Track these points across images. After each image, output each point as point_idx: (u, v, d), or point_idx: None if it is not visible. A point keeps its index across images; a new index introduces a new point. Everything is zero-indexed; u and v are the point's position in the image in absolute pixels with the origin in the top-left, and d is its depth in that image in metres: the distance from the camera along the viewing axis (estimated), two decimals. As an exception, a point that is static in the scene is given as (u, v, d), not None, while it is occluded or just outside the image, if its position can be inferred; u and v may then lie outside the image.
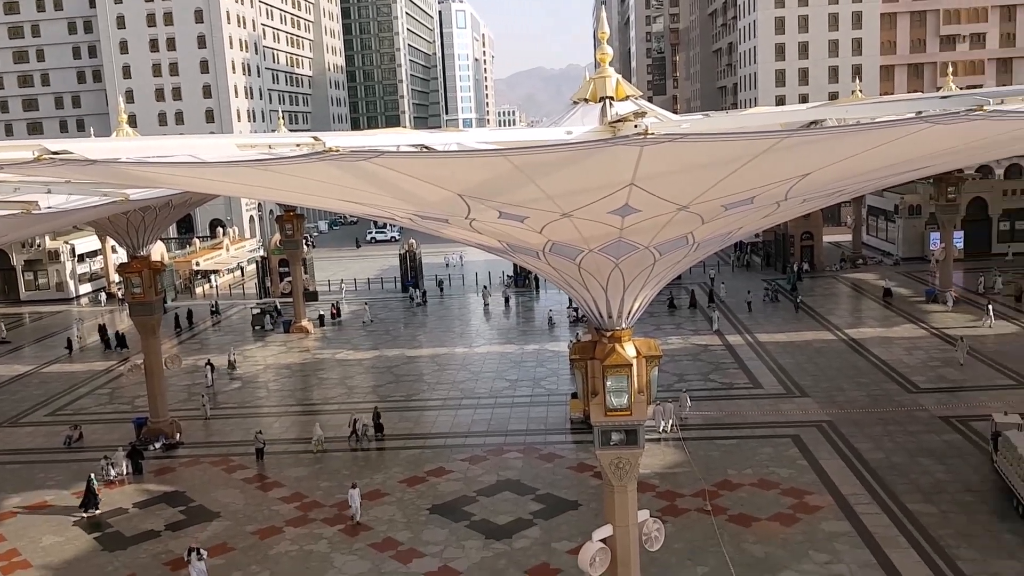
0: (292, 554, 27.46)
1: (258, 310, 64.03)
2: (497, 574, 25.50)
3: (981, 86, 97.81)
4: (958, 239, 67.56)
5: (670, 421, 36.04)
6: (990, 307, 51.47)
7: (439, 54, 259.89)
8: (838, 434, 34.97)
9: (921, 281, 64.64)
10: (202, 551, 25.84)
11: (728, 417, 37.86)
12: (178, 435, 38.58)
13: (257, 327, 61.97)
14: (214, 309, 68.26)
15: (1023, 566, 24.28)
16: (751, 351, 48.55)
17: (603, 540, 19.65)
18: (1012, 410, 33.48)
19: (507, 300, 66.66)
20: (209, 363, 48.49)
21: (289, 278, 66.31)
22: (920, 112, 14.19)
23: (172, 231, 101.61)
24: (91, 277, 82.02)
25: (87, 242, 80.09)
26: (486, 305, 65.60)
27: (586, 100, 18.49)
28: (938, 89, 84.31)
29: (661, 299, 60.39)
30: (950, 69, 63.90)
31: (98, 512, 31.40)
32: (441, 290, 74.40)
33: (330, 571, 26.24)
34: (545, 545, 27.11)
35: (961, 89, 61.65)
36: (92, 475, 32.20)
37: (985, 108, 11.94)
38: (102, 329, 60.98)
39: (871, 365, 44.45)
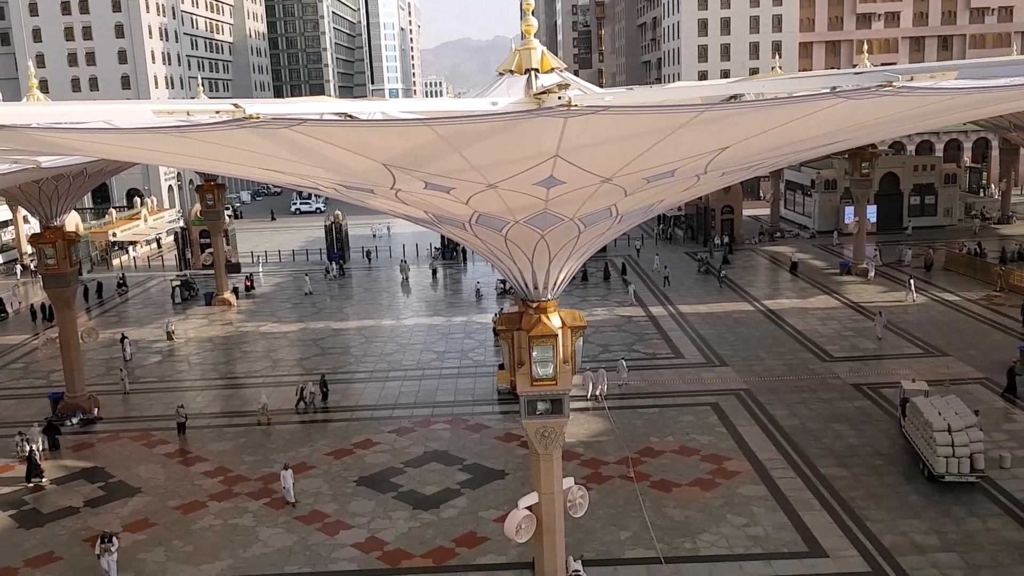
0: (216, 528, 27.18)
1: (178, 282, 62.59)
2: (424, 544, 25.71)
3: (895, 63, 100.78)
4: (871, 213, 69.81)
5: (602, 388, 36.78)
6: (911, 281, 53.16)
7: (364, 23, 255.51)
8: (755, 402, 36.07)
9: (836, 254, 66.71)
10: (115, 539, 24.52)
11: (651, 386, 38.67)
12: (96, 410, 37.63)
13: (177, 301, 60.59)
14: (121, 283, 65.91)
15: (927, 525, 25.55)
16: (673, 322, 49.56)
17: (529, 508, 19.99)
18: (920, 377, 35.03)
19: (434, 272, 66.47)
20: (124, 337, 47.29)
21: (210, 250, 64.90)
22: (835, 88, 14.67)
23: (87, 201, 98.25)
24: (2, 248, 78.90)
25: (-4, 212, 76.95)
26: (404, 279, 64.67)
27: (512, 72, 18.56)
28: (854, 66, 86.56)
29: (591, 269, 61.14)
30: (865, 47, 65.76)
31: (44, 481, 30.88)
32: (369, 261, 73.93)
33: (255, 544, 26.09)
34: (472, 514, 27.41)
35: (875, 66, 63.50)
36: (32, 446, 31.74)
37: (894, 84, 12.42)
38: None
39: (788, 335, 45.85)
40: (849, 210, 72.42)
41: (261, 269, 69.83)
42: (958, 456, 27.51)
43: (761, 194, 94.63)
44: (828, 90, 14.25)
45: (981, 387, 36.49)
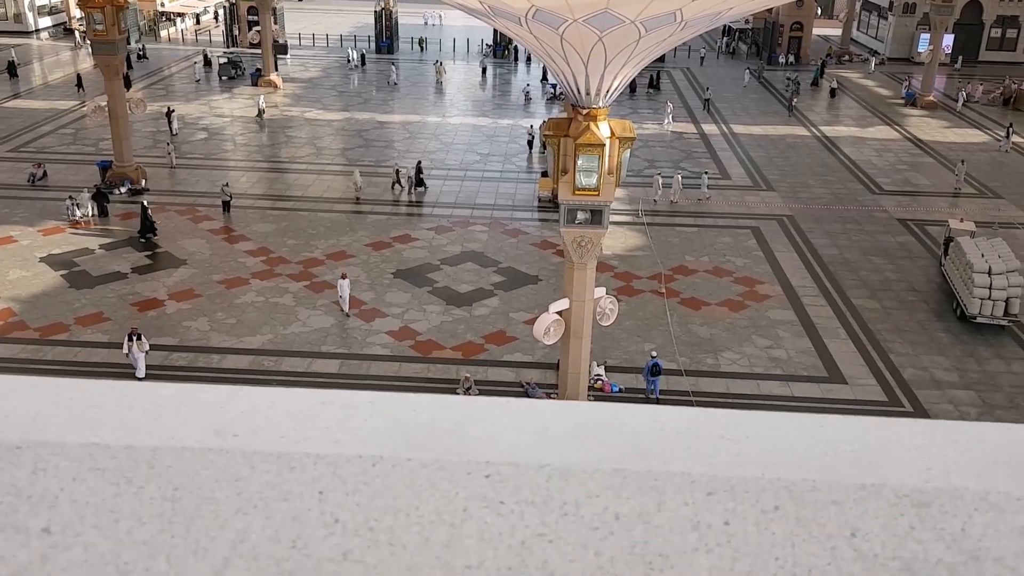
0: (258, 304, 28.24)
1: (225, 60, 61.78)
2: (455, 337, 26.59)
3: None
4: (947, 43, 66.00)
5: (675, 196, 37.75)
6: (1011, 128, 48.89)
7: None
8: (797, 229, 35.75)
9: (902, 82, 63.80)
10: (142, 337, 23.99)
11: (692, 205, 38.34)
12: (143, 181, 38.30)
13: (224, 77, 60.05)
14: (141, 54, 65.28)
15: (950, 362, 25.84)
16: (724, 141, 48.42)
17: (559, 312, 20.46)
18: (969, 218, 34.30)
19: (484, 70, 64.80)
20: (171, 111, 47.30)
21: (258, 28, 63.45)
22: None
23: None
24: (51, 10, 77.84)
25: (45, -29, 75.31)
26: (439, 82, 61.23)
27: None
28: None
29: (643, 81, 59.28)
30: None
31: (156, 237, 32.64)
32: (423, 49, 72.27)
33: (294, 323, 27.15)
34: (503, 314, 28.13)
35: None
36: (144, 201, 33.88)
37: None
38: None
39: (840, 164, 44.74)
40: (924, 37, 68.45)
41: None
42: (994, 299, 27.35)
43: (835, 13, 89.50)
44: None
45: (1031, 234, 35.80)
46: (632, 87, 59.42)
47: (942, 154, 46.25)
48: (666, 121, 50.26)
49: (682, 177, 39.34)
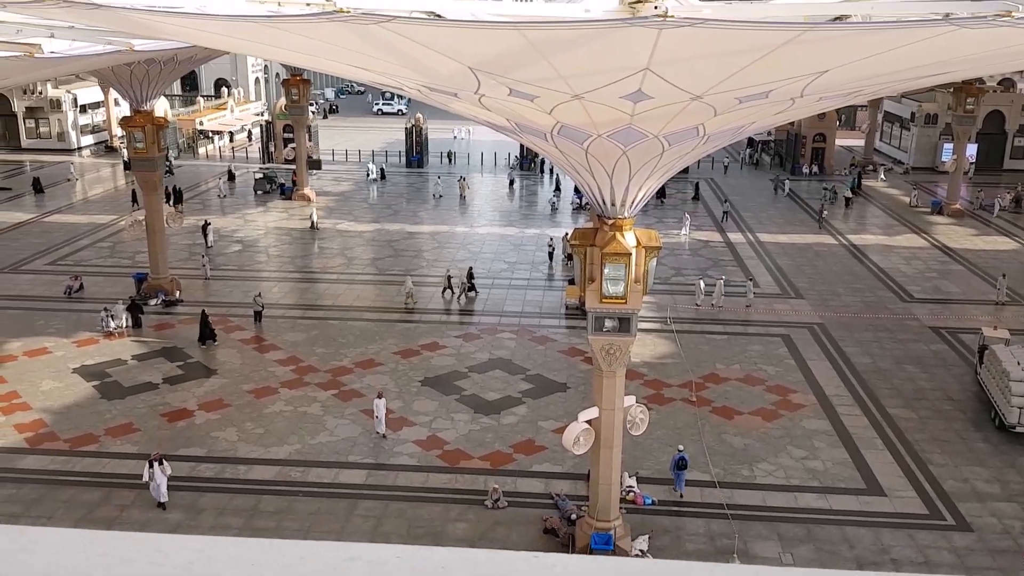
0: (286, 414, 28.23)
1: (260, 175, 63.70)
2: (483, 446, 26.30)
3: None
4: (971, 152, 66.62)
5: (718, 299, 38.22)
6: None
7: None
8: (828, 337, 35.45)
9: (929, 192, 64.18)
10: (164, 461, 23.33)
11: (721, 312, 38.25)
12: (178, 292, 39.02)
13: (259, 191, 61.81)
14: (168, 170, 67.28)
15: (991, 474, 25.07)
16: (751, 249, 48.63)
17: (588, 421, 20.23)
18: (1003, 325, 33.88)
19: (511, 182, 66.20)
20: (207, 224, 48.52)
21: (293, 144, 65.62)
22: (948, 14, 13.80)
23: (176, 88, 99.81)
24: (93, 129, 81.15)
25: (89, 92, 78.80)
26: (462, 197, 61.36)
27: (607, -22, 17.94)
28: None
29: (671, 191, 60.12)
30: (985, -26, 61.57)
31: (216, 344, 33.39)
32: (451, 162, 74.68)
33: (322, 432, 27.04)
34: (532, 423, 27.86)
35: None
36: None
37: (1014, 15, 11.62)
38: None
39: (868, 272, 44.64)
40: (947, 147, 69.21)
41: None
42: (1034, 409, 26.73)
43: (857, 124, 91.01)
44: (941, 16, 13.42)
45: (1067, 341, 35.16)
46: (661, 193, 60.40)
47: (972, 262, 46.11)
48: (683, 231, 50.73)
49: (724, 283, 39.66)
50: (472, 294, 39.83)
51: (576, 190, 61.35)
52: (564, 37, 12.63)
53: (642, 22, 11.69)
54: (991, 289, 41.72)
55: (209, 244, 47.23)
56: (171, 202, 57.08)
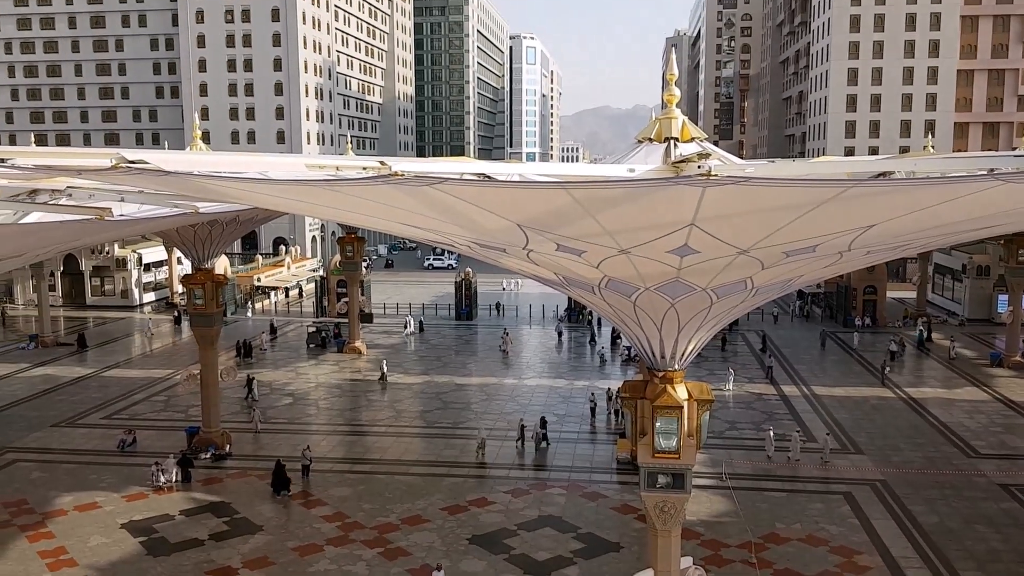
0: (331, 573, 27.54)
1: (314, 328, 64.98)
2: (533, 610, 25.22)
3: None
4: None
5: (793, 453, 37.70)
6: None
7: (507, 88, 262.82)
8: (892, 495, 34.00)
9: (987, 344, 62.86)
10: None
11: (779, 469, 37.10)
12: (228, 446, 39.15)
13: (312, 345, 62.88)
14: (273, 328, 68.91)
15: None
16: (806, 403, 47.60)
17: (643, 584, 19.37)
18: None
19: (560, 334, 66.49)
20: (251, 378, 49.06)
21: (346, 299, 67.15)
22: (992, 170, 13.94)
23: (236, 246, 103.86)
24: (155, 287, 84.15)
25: (154, 252, 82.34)
26: (503, 351, 61.30)
27: (651, 140, 18.59)
28: (1014, 148, 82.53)
29: (714, 343, 59.68)
30: (1027, 129, 62.54)
31: (290, 495, 33.55)
32: (499, 312, 76.26)
33: (366, 593, 26.23)
34: (583, 585, 26.75)
35: (1038, 149, 60.21)
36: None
37: (1060, 168, 11.69)
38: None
39: (929, 426, 43.23)
40: (1003, 298, 68.18)
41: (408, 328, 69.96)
42: (1121, 575, 25.02)
43: (907, 276, 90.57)
44: (985, 172, 13.56)
45: None
46: (723, 342, 60.16)
47: (1038, 414, 44.47)
48: (728, 385, 49.95)
49: (799, 435, 39.10)
50: (544, 445, 39.70)
51: (614, 336, 61.68)
52: (610, 196, 12.97)
53: (686, 180, 12.00)
54: (1062, 444, 40.01)
55: (255, 398, 47.76)
56: (240, 355, 58.84)
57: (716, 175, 11.53)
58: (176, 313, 73.42)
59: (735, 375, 51.33)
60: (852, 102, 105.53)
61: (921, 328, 64.72)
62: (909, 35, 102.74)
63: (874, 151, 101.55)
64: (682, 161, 14.38)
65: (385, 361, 54.89)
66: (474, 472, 36.83)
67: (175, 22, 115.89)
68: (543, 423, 40.78)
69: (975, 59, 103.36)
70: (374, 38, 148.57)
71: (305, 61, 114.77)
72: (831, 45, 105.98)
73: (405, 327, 68.88)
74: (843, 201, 12.13)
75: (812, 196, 12.39)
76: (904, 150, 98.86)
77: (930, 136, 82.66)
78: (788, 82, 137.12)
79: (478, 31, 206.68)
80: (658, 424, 18.66)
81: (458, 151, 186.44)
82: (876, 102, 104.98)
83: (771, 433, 39.18)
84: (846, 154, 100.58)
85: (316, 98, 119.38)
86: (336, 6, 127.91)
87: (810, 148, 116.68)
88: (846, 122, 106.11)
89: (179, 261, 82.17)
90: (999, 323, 66.06)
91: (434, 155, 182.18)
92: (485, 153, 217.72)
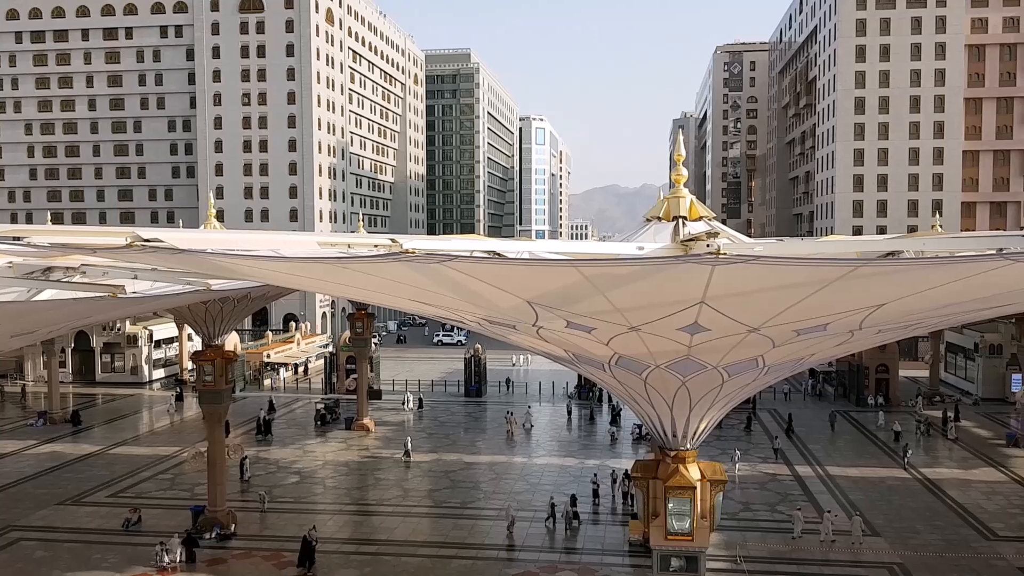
0: (334, 659, 26.82)
1: (322, 405, 64.66)
2: None
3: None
4: (1042, 382, 64.84)
5: (827, 534, 37.08)
6: None
7: (517, 167, 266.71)
8: (911, 579, 33.14)
9: (1002, 424, 62.01)
10: None
11: (794, 552, 36.29)
12: (233, 526, 38.61)
13: (319, 422, 62.48)
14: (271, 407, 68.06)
15: None
16: (820, 484, 46.81)
17: (656, 672, 18.83)
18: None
19: (569, 411, 65.95)
20: (244, 457, 47.95)
21: (355, 375, 66.98)
22: (1001, 249, 14.00)
23: (247, 322, 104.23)
24: (165, 363, 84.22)
25: (164, 329, 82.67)
26: (509, 432, 59.30)
27: (659, 218, 18.77)
28: (1022, 228, 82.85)
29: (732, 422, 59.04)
30: (1034, 208, 62.87)
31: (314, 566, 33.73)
32: (509, 388, 76.15)
33: None
34: (594, 672, 25.95)
35: (1046, 228, 60.39)
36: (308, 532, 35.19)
37: (1070, 248, 11.73)
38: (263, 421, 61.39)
39: (947, 508, 42.38)
40: (1016, 377, 67.56)
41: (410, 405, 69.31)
42: None
43: (919, 355, 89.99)
44: (994, 251, 13.62)
45: None
46: (749, 421, 59.51)
47: (1058, 496, 43.61)
48: (735, 467, 48.90)
49: (831, 515, 38.96)
50: (576, 523, 39.28)
51: (614, 413, 61.16)
52: (620, 274, 13.05)
53: (695, 259, 12.08)
54: (1084, 527, 39.11)
55: (245, 477, 47.13)
56: (261, 432, 58.71)
57: (726, 254, 11.62)
58: (178, 390, 73.12)
59: (740, 455, 50.28)
60: (859, 182, 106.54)
61: (948, 409, 63.66)
62: (914, 117, 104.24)
63: (882, 230, 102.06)
64: (691, 239, 14.51)
65: (409, 439, 54.37)
66: (483, 554, 36.14)
67: (192, 104, 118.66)
68: (573, 501, 40.50)
69: (980, 140, 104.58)
70: (387, 119, 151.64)
71: (319, 142, 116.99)
72: (836, 126, 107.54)
73: (403, 404, 68.39)
74: (853, 280, 12.17)
75: (822, 275, 12.44)
76: (912, 229, 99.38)
77: (938, 215, 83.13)
78: (795, 162, 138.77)
79: (488, 112, 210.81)
80: (671, 505, 18.40)
81: (468, 229, 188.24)
82: (883, 182, 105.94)
83: (799, 513, 38.62)
84: (854, 233, 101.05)
85: (329, 177, 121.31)
86: (351, 90, 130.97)
87: (818, 227, 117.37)
88: (853, 201, 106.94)
89: (190, 338, 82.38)
90: (1012, 402, 65.24)
91: (444, 233, 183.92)
92: (495, 231, 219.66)
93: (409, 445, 53.15)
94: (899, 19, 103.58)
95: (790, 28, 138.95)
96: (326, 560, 35.07)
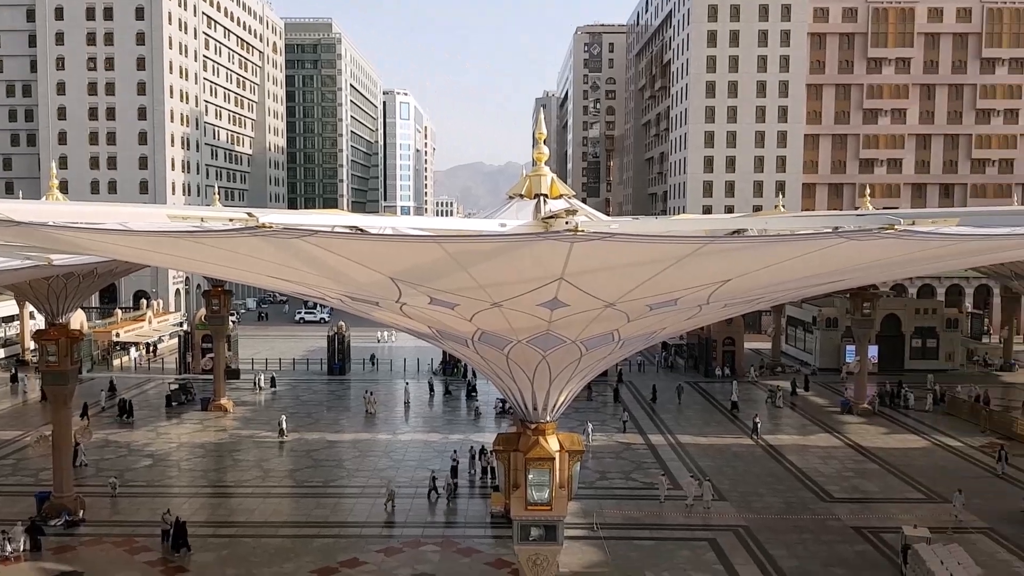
0: (191, 643, 26.17)
1: (175, 386, 62.36)
2: (405, 671, 24.67)
3: (897, 208, 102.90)
4: (872, 353, 69.80)
5: (706, 499, 38.90)
6: (1003, 450, 46.32)
7: (381, 143, 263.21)
8: (754, 540, 35.21)
9: (837, 392, 66.40)
10: None
11: (647, 518, 37.86)
12: (81, 512, 36.85)
13: (174, 403, 60.24)
14: (111, 387, 64.96)
15: None
16: (672, 452, 48.91)
17: (516, 638, 19.32)
18: (922, 524, 34.27)
19: (432, 387, 66.12)
20: (77, 443, 44.11)
21: (211, 355, 64.91)
22: (837, 228, 15.01)
23: (94, 300, 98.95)
24: (4, 343, 79.06)
25: (4, 306, 77.47)
26: (368, 412, 58.10)
27: (521, 196, 19.06)
28: (856, 208, 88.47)
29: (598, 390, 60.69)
30: (867, 191, 67.20)
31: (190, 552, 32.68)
32: (374, 365, 75.74)
33: (230, 663, 25.05)
34: (457, 642, 26.39)
35: (878, 209, 64.79)
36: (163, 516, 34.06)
37: (896, 228, 12.72)
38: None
39: (787, 472, 45.15)
40: (850, 349, 72.50)
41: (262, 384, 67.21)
42: (962, 608, 26.69)
43: (763, 328, 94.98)
44: (830, 230, 14.60)
45: (985, 537, 35.65)
46: (616, 394, 61.40)
47: (886, 460, 47.20)
48: (587, 439, 50.24)
49: (694, 479, 40.86)
50: (445, 495, 39.98)
51: (469, 389, 62.36)
52: (482, 250, 13.24)
53: (555, 236, 12.40)
54: (908, 488, 42.52)
55: (78, 463, 43.30)
56: (123, 415, 56.07)
57: (583, 231, 11.98)
58: (13, 370, 68.80)
59: (592, 428, 51.65)
60: (709, 163, 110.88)
61: (796, 379, 68.26)
62: (760, 101, 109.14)
63: (730, 210, 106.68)
64: (551, 217, 14.86)
65: (284, 417, 53.22)
66: (345, 532, 35.95)
67: (34, 68, 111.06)
68: (454, 472, 41.36)
69: (820, 124, 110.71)
70: (244, 89, 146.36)
71: (171, 110, 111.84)
72: (689, 109, 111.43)
73: (255, 385, 66.68)
74: (701, 257, 12.80)
75: (673, 252, 13.02)
76: (757, 209, 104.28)
77: (781, 196, 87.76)
78: (650, 143, 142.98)
79: (351, 85, 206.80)
80: (531, 476, 18.84)
81: (331, 204, 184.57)
82: (731, 163, 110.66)
83: (664, 479, 40.93)
84: (704, 212, 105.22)
85: (183, 148, 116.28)
86: (205, 56, 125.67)
87: (671, 206, 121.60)
88: (704, 182, 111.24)
89: (32, 316, 77.55)
90: (849, 372, 70.01)
91: (306, 207, 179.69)
92: (359, 206, 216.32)
93: (284, 424, 52.12)
94: (748, 6, 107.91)
95: (647, 11, 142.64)
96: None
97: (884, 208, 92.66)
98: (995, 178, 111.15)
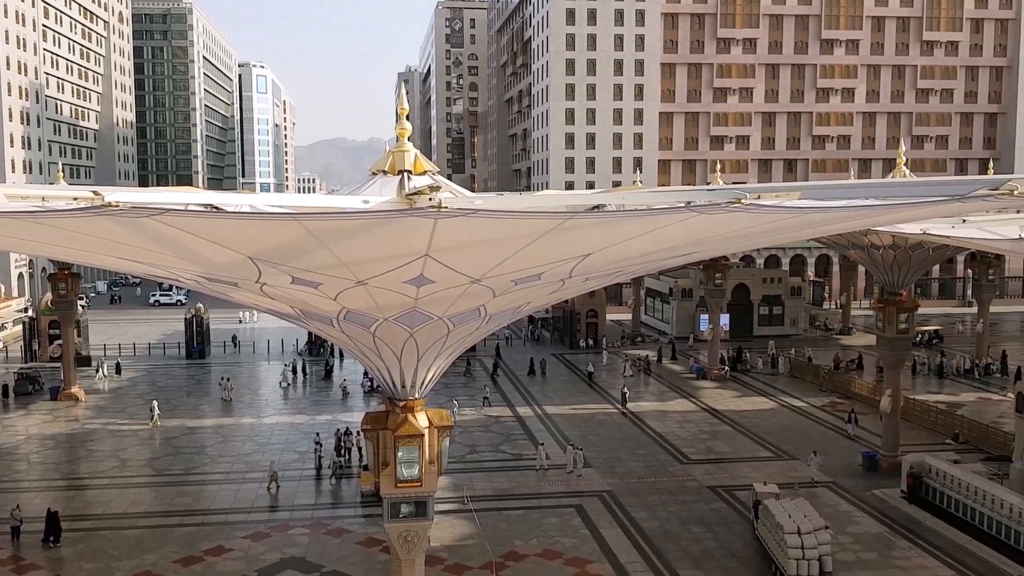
0: (45, 644, 24.99)
1: (21, 375, 58.74)
2: (276, 655, 24.37)
3: (745, 183, 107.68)
4: (724, 321, 73.17)
5: (579, 466, 40.13)
6: (853, 412, 49.17)
7: (237, 117, 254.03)
8: (617, 504, 36.51)
9: (692, 358, 69.29)
10: None
11: (516, 488, 38.59)
12: (-86, 514, 34.36)
13: (20, 393, 56.75)
14: None
15: (779, 625, 26.18)
16: (539, 423, 49.95)
17: (388, 614, 19.43)
18: (771, 480, 36.36)
19: (294, 368, 64.72)
20: None
21: (59, 341, 61.46)
22: (689, 203, 15.68)
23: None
24: None
25: None
26: (224, 399, 55.80)
27: (385, 172, 18.95)
28: (708, 183, 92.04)
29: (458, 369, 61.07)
30: (718, 166, 70.08)
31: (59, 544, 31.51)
32: (235, 346, 74.00)
33: (89, 661, 24.07)
34: (329, 623, 26.25)
35: (727, 184, 67.72)
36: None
37: (743, 201, 13.42)
38: None
39: (648, 437, 46.94)
40: (704, 318, 75.74)
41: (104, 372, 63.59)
42: (807, 558, 28.53)
43: (623, 300, 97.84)
44: (683, 205, 15.23)
45: (828, 491, 38.20)
46: (495, 368, 62.70)
47: (737, 422, 49.78)
48: (454, 413, 50.51)
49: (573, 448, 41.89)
50: (337, 473, 39.99)
51: (327, 368, 63.41)
52: (344, 227, 13.13)
53: (419, 212, 12.45)
54: (758, 447, 44.98)
55: None
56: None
57: (447, 207, 12.07)
58: None
59: (458, 405, 51.88)
60: (571, 140, 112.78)
61: (662, 348, 71.04)
62: (618, 79, 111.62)
63: (591, 186, 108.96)
64: (415, 193, 14.86)
65: (156, 402, 51.02)
66: (209, 519, 34.99)
67: None
68: (339, 451, 41.69)
69: (674, 103, 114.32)
70: (88, 60, 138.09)
71: (8, 83, 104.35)
72: (549, 87, 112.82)
73: (97, 371, 63.43)
74: (562, 231, 13.13)
75: (535, 227, 13.30)
76: (616, 184, 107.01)
77: (638, 172, 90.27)
78: (513, 120, 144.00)
79: (204, 57, 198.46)
80: (400, 453, 18.91)
81: (185, 180, 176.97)
82: (592, 140, 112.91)
83: (543, 449, 41.82)
84: (566, 188, 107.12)
85: (22, 123, 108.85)
86: (44, 25, 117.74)
87: (535, 182, 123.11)
88: (566, 158, 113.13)
89: None
90: (702, 340, 73.18)
91: (159, 185, 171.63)
92: (216, 183, 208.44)
93: (156, 409, 50.04)
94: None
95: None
96: (34, 540, 32.29)
97: (733, 183, 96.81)
98: (834, 153, 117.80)
